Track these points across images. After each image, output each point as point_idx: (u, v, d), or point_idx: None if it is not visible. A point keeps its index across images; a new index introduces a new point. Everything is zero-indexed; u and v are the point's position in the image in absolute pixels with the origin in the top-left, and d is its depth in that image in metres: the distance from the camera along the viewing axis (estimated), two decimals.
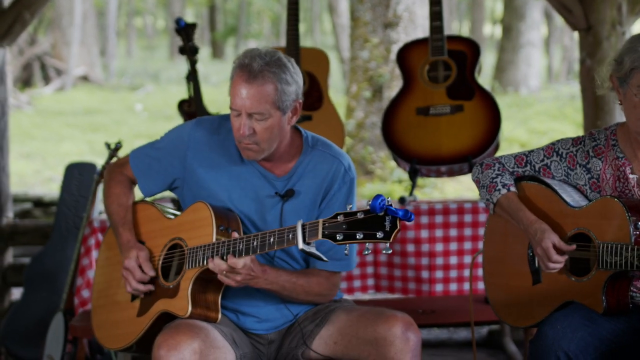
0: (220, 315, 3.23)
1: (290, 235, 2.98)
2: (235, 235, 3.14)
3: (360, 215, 2.82)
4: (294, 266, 3.37)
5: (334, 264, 3.31)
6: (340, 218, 2.85)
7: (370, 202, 2.79)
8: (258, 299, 3.34)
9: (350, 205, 2.88)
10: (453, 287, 5.13)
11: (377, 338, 3.12)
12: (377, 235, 2.79)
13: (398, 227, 2.80)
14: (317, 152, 3.37)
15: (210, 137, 3.38)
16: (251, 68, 3.15)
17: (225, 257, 3.11)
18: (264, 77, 3.15)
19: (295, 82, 3.23)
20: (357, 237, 2.82)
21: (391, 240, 2.79)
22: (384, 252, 2.84)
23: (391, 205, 2.78)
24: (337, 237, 2.84)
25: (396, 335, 3.09)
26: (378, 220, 2.79)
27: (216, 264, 3.11)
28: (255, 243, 3.06)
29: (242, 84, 3.16)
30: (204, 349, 3.06)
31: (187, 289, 3.17)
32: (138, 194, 3.55)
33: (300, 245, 2.91)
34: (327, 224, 2.86)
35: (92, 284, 4.06)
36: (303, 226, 2.92)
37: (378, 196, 2.76)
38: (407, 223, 5.04)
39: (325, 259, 2.96)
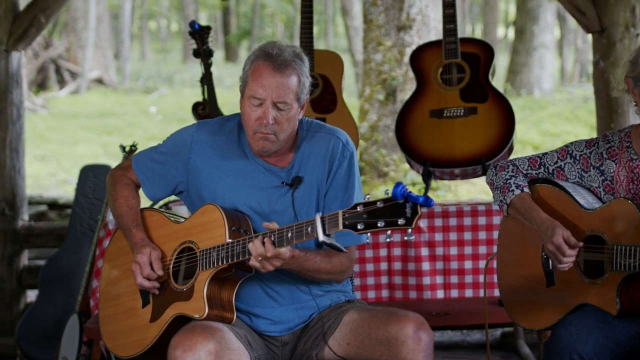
0: (235, 316, 3.24)
1: (309, 229, 2.98)
2: (276, 225, 3.11)
3: (380, 204, 2.84)
4: None
5: (346, 239, 3.28)
6: (360, 208, 2.86)
7: (389, 190, 2.82)
8: (271, 301, 3.35)
9: (368, 196, 2.90)
10: (469, 293, 5.10)
11: (389, 338, 3.13)
12: (399, 222, 2.81)
13: (419, 213, 2.82)
14: (312, 134, 3.41)
15: (213, 138, 3.40)
16: (281, 58, 3.20)
17: (240, 257, 3.12)
18: (292, 67, 3.22)
19: (309, 77, 3.31)
20: (379, 225, 2.83)
21: (413, 225, 2.82)
22: (406, 238, 2.87)
23: (411, 192, 2.81)
24: (358, 227, 2.86)
25: (408, 335, 3.10)
26: (398, 208, 2.81)
27: (256, 248, 3.06)
28: (272, 239, 3.06)
29: (271, 73, 3.20)
30: (219, 350, 3.06)
31: (203, 290, 3.17)
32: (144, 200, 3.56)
33: (321, 237, 2.92)
34: (347, 215, 2.88)
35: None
36: (322, 218, 2.93)
37: (399, 184, 2.79)
38: (421, 226, 5.05)
39: (345, 250, 3.01)
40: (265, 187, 3.34)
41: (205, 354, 3.03)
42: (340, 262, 3.34)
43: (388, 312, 3.21)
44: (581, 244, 3.37)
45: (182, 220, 3.41)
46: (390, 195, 2.82)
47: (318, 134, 3.41)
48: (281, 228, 3.06)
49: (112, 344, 3.47)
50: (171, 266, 3.34)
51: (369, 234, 2.93)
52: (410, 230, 2.83)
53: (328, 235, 2.93)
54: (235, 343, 3.16)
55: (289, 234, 3.04)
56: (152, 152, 3.50)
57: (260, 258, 3.07)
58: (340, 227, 2.88)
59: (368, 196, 2.90)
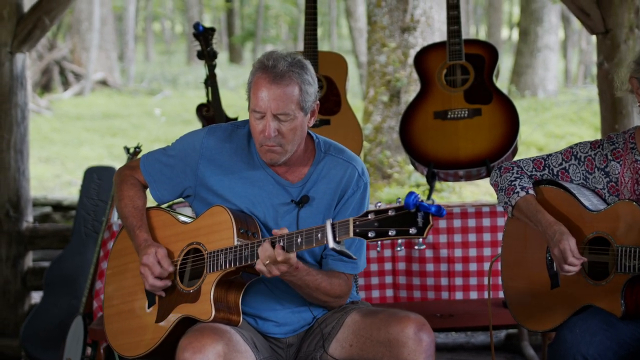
0: (241, 319, 3.23)
1: (319, 235, 2.96)
2: (286, 230, 3.10)
3: (391, 213, 2.82)
4: None
5: (346, 266, 3.33)
6: (371, 216, 2.84)
7: (401, 199, 2.80)
8: (276, 303, 3.35)
9: (379, 203, 2.88)
10: (473, 295, 5.08)
11: (390, 339, 3.13)
12: (410, 232, 2.80)
13: (431, 223, 2.80)
14: (331, 158, 3.37)
15: (222, 145, 3.37)
16: (276, 69, 3.17)
17: (248, 260, 3.11)
18: (290, 77, 3.17)
19: (314, 82, 3.26)
20: (390, 234, 2.82)
21: (425, 235, 2.80)
22: (416, 247, 2.86)
23: (423, 201, 2.80)
24: (369, 235, 2.84)
25: (409, 336, 3.10)
26: (410, 217, 2.80)
27: (265, 250, 3.05)
28: (281, 243, 3.04)
29: (267, 85, 3.17)
30: (227, 353, 3.06)
31: (210, 293, 3.17)
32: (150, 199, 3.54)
33: (331, 244, 2.90)
34: (357, 222, 2.86)
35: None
36: (333, 225, 2.91)
37: (411, 193, 2.77)
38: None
39: (354, 257, 2.98)
40: (273, 201, 3.32)
41: (214, 356, 3.02)
42: (339, 284, 3.33)
43: (389, 313, 3.21)
44: (585, 259, 3.36)
45: (190, 220, 3.39)
46: (402, 203, 2.80)
47: (336, 159, 3.37)
48: (290, 233, 3.05)
49: (115, 342, 3.46)
50: (178, 267, 3.33)
51: (379, 242, 2.91)
52: (421, 239, 2.82)
53: (338, 242, 2.91)
54: (242, 345, 3.16)
55: (299, 239, 3.01)
56: (161, 154, 3.47)
57: (267, 261, 3.05)
58: (351, 234, 2.86)
59: (379, 204, 2.89)
